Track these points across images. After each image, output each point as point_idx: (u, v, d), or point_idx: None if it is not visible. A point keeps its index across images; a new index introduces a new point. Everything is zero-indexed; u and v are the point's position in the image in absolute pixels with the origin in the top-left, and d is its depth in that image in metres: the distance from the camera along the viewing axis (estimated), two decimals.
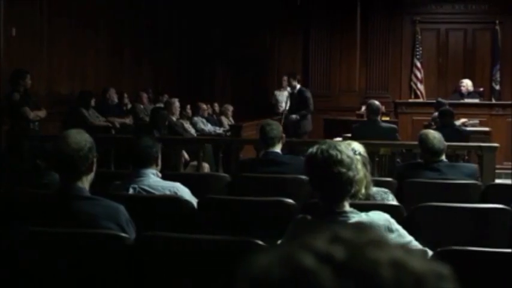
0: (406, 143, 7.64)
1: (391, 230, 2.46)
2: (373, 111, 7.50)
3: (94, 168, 2.74)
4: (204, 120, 10.41)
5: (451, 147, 6.15)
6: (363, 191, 3.29)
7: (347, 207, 2.46)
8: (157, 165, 3.76)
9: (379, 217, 2.47)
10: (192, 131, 9.53)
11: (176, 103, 8.97)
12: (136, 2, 11.45)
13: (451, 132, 7.36)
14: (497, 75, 12.66)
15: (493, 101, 11.94)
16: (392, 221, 2.50)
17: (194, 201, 3.68)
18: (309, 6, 13.14)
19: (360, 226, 0.78)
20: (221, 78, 13.86)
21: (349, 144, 3.56)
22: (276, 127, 4.59)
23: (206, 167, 7.70)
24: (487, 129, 9.73)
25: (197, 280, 2.58)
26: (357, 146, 3.51)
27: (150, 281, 2.61)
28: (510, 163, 9.81)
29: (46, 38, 8.56)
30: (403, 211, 3.39)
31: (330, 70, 13.34)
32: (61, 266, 2.60)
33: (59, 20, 8.89)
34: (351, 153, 2.42)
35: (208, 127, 10.31)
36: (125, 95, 10.23)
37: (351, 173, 2.38)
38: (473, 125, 9.89)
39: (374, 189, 3.43)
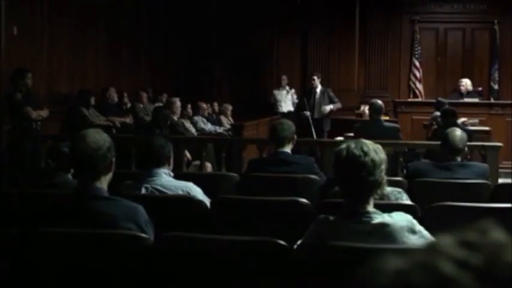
0: (409, 142, 7.64)
1: (413, 232, 2.44)
2: (375, 110, 7.49)
3: (112, 168, 2.71)
4: (204, 120, 10.38)
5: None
6: (378, 191, 3.29)
7: (371, 207, 2.44)
8: (169, 165, 3.74)
9: (401, 218, 2.45)
10: (193, 130, 9.50)
11: (177, 102, 8.93)
12: (136, 2, 11.41)
13: None
14: (496, 75, 12.68)
15: (492, 101, 11.95)
16: (415, 222, 2.48)
17: (207, 201, 3.65)
18: (307, 6, 13.14)
19: (482, 228, 0.75)
20: (219, 78, 13.82)
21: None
22: (288, 127, 4.56)
23: (209, 166, 7.68)
24: (487, 128, 9.73)
25: (218, 281, 2.55)
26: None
27: (170, 281, 2.58)
28: (510, 162, 9.82)
29: (46, 37, 8.51)
30: (418, 211, 3.38)
31: (329, 70, 13.33)
32: (80, 267, 2.57)
33: (59, 20, 8.84)
34: (380, 156, 2.40)
35: (209, 126, 10.28)
36: (125, 94, 10.20)
37: (375, 176, 2.37)
38: (473, 125, 9.88)
39: (388, 189, 3.41)
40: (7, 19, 7.49)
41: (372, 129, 7.51)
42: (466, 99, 11.26)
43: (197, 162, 7.56)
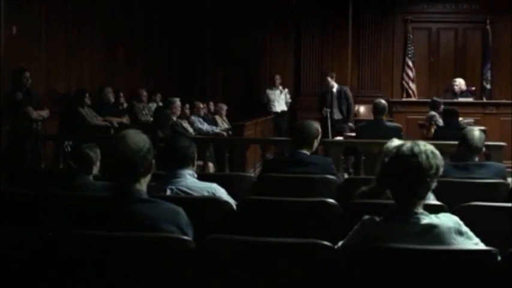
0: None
1: (460, 233, 2.43)
2: (379, 110, 7.50)
3: (151, 170, 2.67)
4: (201, 120, 10.34)
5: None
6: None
7: (419, 208, 2.43)
8: (193, 166, 3.70)
9: (448, 219, 2.44)
10: (190, 130, 9.45)
11: (177, 102, 8.87)
12: (129, 1, 11.32)
13: (456, 131, 7.38)
14: (488, 75, 12.79)
15: (485, 100, 12.04)
16: (461, 223, 2.48)
17: (231, 201, 3.62)
18: (301, 6, 13.13)
19: None
20: (213, 78, 13.78)
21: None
22: (309, 129, 4.52)
23: (211, 166, 7.65)
24: (483, 128, 9.78)
25: (261, 283, 2.53)
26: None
27: (214, 284, 2.55)
28: (510, 162, 9.87)
29: (44, 37, 8.42)
30: (446, 210, 3.37)
31: (322, 69, 13.33)
32: (121, 271, 2.53)
33: (56, 19, 8.75)
34: (436, 159, 2.40)
35: (206, 126, 10.23)
36: (121, 94, 10.11)
37: (428, 177, 2.37)
38: (468, 124, 9.93)
39: None
40: (6, 19, 7.39)
41: (374, 129, 7.52)
42: (460, 99, 11.33)
43: (200, 163, 7.51)
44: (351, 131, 9.16)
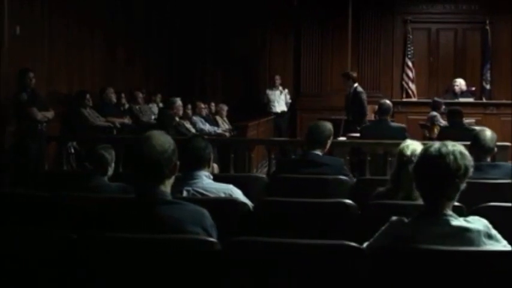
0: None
1: (490, 236, 2.42)
2: (384, 111, 7.51)
3: (176, 171, 2.65)
4: (202, 120, 10.32)
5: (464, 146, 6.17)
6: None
7: (448, 210, 2.43)
8: (209, 167, 3.68)
9: (479, 223, 2.43)
10: (193, 131, 9.43)
11: (178, 102, 8.82)
12: (129, 2, 11.29)
13: (461, 131, 7.40)
14: (488, 75, 12.82)
15: (485, 100, 12.06)
16: (490, 226, 2.47)
17: (248, 203, 3.61)
18: (300, 6, 13.13)
19: None
20: (213, 78, 13.76)
21: (407, 147, 3.55)
22: (322, 130, 4.51)
23: (215, 167, 7.62)
24: (479, 128, 9.79)
25: (288, 285, 2.51)
26: (418, 149, 3.47)
27: (240, 286, 2.54)
28: (509, 162, 9.90)
29: (47, 38, 8.38)
30: (464, 211, 3.37)
31: (322, 69, 13.36)
32: (147, 273, 2.51)
33: (58, 20, 8.71)
34: (466, 160, 2.40)
35: (207, 127, 10.21)
36: (122, 95, 10.09)
37: (458, 178, 2.36)
38: (469, 124, 9.96)
39: None
40: (10, 19, 7.35)
41: (378, 130, 7.53)
42: (461, 99, 11.35)
43: None
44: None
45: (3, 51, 7.27)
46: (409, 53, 13.13)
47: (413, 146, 3.50)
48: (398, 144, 7.33)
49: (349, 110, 9.39)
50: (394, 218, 2.52)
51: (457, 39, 13.29)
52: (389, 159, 7.02)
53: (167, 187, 2.62)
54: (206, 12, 13.36)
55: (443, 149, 2.41)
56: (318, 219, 3.46)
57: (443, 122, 9.09)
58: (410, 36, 13.17)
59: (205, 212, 2.64)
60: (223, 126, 11.09)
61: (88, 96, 8.83)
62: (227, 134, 10.10)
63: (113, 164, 3.91)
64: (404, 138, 7.61)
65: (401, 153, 3.52)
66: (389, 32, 13.34)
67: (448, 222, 2.39)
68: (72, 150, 7.68)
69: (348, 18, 13.08)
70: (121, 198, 3.13)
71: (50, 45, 8.50)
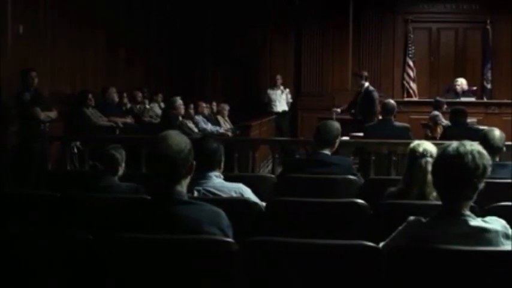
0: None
1: (507, 236, 2.42)
2: (388, 110, 7.50)
3: (192, 171, 2.64)
4: (204, 120, 10.30)
5: None
6: (434, 193, 3.27)
7: (466, 210, 2.42)
8: (220, 168, 3.67)
9: (497, 223, 2.42)
10: (196, 130, 9.41)
11: (178, 101, 8.81)
12: (130, 2, 11.27)
13: (465, 131, 7.40)
14: (489, 74, 12.83)
15: (487, 100, 12.07)
16: (508, 226, 2.46)
17: (259, 202, 3.60)
18: (301, 5, 13.12)
19: None
20: (213, 78, 13.74)
21: (419, 145, 3.55)
22: (331, 129, 4.51)
23: None
24: (486, 128, 9.79)
25: (306, 285, 2.51)
26: (430, 147, 3.47)
27: (258, 286, 2.53)
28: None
29: (49, 37, 8.36)
30: (477, 210, 3.36)
31: (322, 69, 13.35)
32: (165, 273, 2.50)
33: (60, 19, 8.69)
34: (484, 160, 2.39)
35: (209, 127, 10.20)
36: (124, 95, 10.08)
37: (475, 178, 2.36)
38: (472, 124, 9.96)
39: None
40: (13, 18, 7.33)
41: (382, 129, 7.52)
42: (463, 99, 11.35)
43: None
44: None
45: (6, 51, 7.25)
46: (410, 52, 13.14)
47: (424, 145, 3.51)
48: (403, 143, 7.37)
49: (359, 110, 9.33)
50: (411, 217, 2.51)
51: (457, 38, 13.30)
52: (394, 158, 7.03)
53: (183, 187, 2.62)
54: (206, 12, 13.34)
55: (462, 149, 2.40)
56: (330, 219, 3.46)
57: (445, 122, 9.09)
58: (411, 36, 13.18)
59: (222, 212, 2.63)
60: (225, 126, 11.08)
61: (90, 96, 8.81)
62: (229, 133, 10.07)
63: (123, 164, 3.91)
64: (408, 137, 7.67)
65: (413, 151, 3.52)
66: (390, 31, 13.35)
67: (466, 223, 2.38)
68: (76, 150, 7.66)
69: (349, 17, 13.09)
70: (135, 198, 3.11)
71: (53, 45, 8.48)
